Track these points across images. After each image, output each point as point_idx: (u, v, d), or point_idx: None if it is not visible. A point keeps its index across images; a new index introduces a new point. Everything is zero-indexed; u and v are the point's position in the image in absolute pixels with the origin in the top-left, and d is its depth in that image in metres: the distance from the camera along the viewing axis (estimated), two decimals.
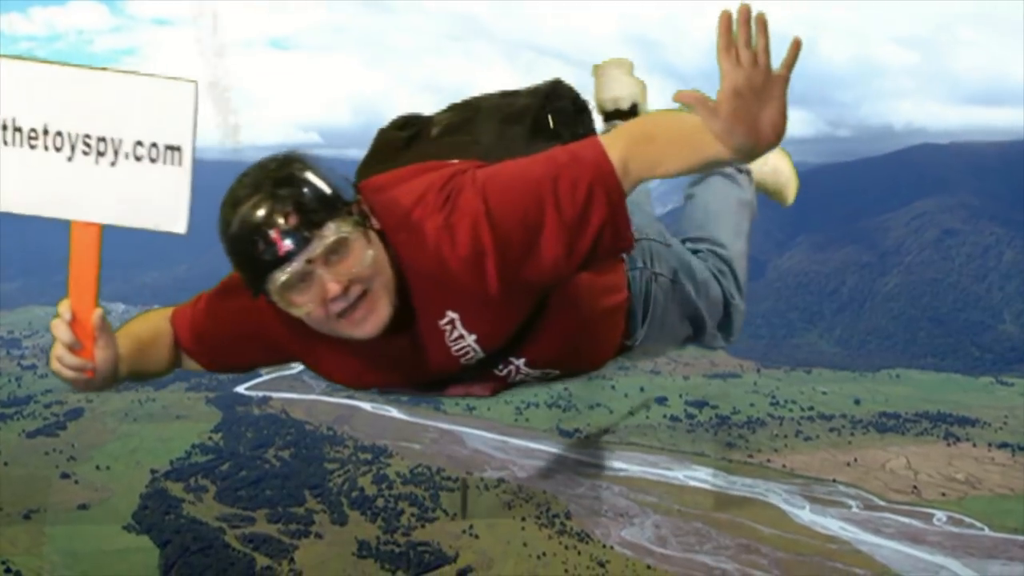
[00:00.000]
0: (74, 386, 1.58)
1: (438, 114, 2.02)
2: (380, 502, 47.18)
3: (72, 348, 1.53)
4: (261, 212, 1.44)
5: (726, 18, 1.28)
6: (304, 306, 1.50)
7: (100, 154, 1.46)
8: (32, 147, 1.45)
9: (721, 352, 76.33)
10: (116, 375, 1.62)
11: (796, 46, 1.31)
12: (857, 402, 64.82)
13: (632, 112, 2.44)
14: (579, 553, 43.16)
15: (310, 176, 1.48)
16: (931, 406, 63.09)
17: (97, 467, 50.16)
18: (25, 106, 1.44)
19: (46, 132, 1.45)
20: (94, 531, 43.55)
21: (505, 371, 1.80)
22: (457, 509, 46.51)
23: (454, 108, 2.01)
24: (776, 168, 2.58)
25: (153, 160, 1.47)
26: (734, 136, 1.38)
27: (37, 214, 1.48)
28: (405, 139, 1.95)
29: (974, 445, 56.27)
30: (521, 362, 1.78)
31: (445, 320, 1.63)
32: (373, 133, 2.01)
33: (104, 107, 1.45)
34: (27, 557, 41.17)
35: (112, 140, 1.46)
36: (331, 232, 1.45)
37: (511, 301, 1.61)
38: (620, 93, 2.46)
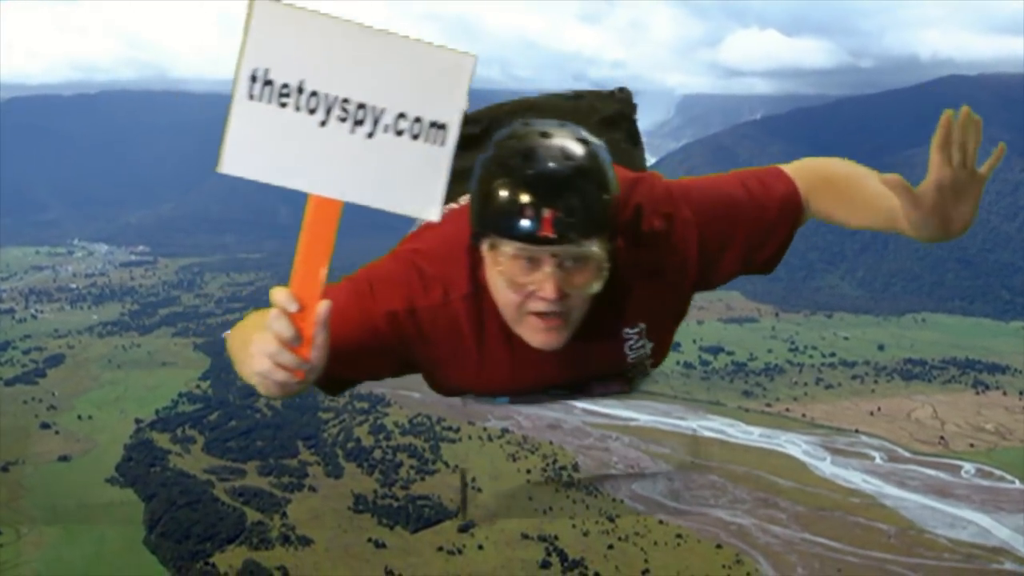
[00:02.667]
0: (274, 391, 1.36)
1: (489, 110, 2.08)
2: (377, 454, 46.15)
3: (290, 345, 1.33)
4: (551, 188, 1.42)
5: (947, 117, 1.38)
6: (512, 277, 1.51)
7: (358, 123, 1.33)
8: (282, 105, 1.29)
9: (737, 295, 76.73)
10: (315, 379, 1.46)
11: (1000, 151, 1.42)
12: (881, 348, 63.88)
13: None
14: (587, 507, 42.01)
15: (611, 183, 1.48)
16: (959, 352, 62.20)
17: (79, 417, 49.27)
18: (281, 58, 1.28)
19: (300, 90, 1.30)
20: (76, 484, 42.65)
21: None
22: (459, 462, 45.15)
23: (506, 106, 2.08)
24: None
25: (415, 136, 1.35)
26: (927, 226, 1.51)
27: (271, 181, 1.32)
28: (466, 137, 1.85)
29: (1004, 393, 55.33)
30: (650, 362, 1.88)
31: (635, 328, 1.72)
32: None
33: (372, 71, 1.33)
34: (5, 511, 40.26)
35: (373, 108, 1.33)
36: (594, 250, 1.47)
37: (684, 308, 1.78)
38: None
